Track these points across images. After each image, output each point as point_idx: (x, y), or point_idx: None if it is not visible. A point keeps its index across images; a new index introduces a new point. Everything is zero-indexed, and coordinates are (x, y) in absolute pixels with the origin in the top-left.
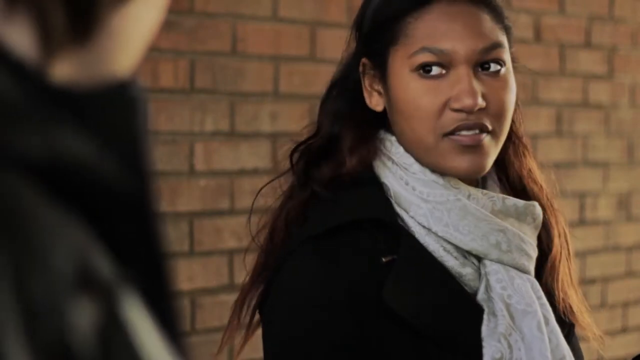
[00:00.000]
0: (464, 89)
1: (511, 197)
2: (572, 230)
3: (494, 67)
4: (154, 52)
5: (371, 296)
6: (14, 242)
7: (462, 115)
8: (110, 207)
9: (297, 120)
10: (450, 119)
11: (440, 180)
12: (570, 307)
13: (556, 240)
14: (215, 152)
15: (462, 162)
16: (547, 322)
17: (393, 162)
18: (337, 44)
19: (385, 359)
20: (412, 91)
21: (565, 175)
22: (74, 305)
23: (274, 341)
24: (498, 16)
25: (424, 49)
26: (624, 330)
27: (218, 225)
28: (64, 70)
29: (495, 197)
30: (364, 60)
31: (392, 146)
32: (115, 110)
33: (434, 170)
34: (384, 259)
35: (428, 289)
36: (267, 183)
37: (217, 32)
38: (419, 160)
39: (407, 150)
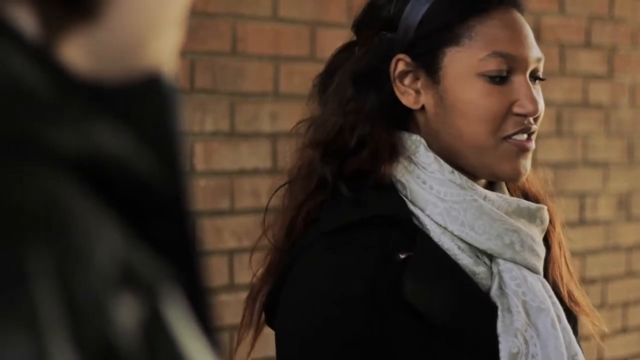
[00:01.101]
0: (528, 95)
1: (524, 200)
2: (572, 230)
3: (537, 76)
4: None
5: (385, 293)
6: (55, 240)
7: (523, 120)
8: (149, 204)
9: (297, 120)
10: (513, 122)
11: (457, 180)
12: (573, 294)
13: (554, 234)
14: (215, 152)
15: (516, 166)
16: (559, 320)
17: (411, 160)
18: (337, 44)
19: (397, 356)
20: (477, 93)
21: (565, 175)
22: (118, 303)
23: (287, 336)
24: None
25: (495, 54)
26: (624, 330)
27: (218, 225)
28: (75, 54)
29: (509, 199)
30: (401, 57)
31: (413, 145)
32: (147, 105)
33: (483, 172)
34: (401, 256)
35: (444, 286)
36: (285, 183)
37: (217, 32)
38: (462, 160)
39: (450, 150)
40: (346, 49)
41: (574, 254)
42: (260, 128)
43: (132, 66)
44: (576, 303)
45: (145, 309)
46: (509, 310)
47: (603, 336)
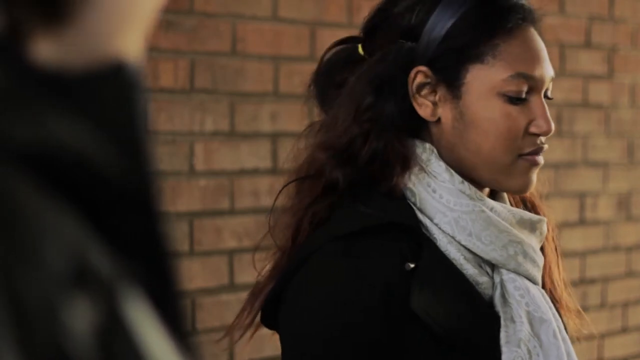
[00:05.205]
0: (543, 115)
1: (527, 212)
2: (572, 230)
3: (546, 95)
4: (154, 52)
5: (398, 300)
6: (1, 237)
7: (537, 139)
8: (109, 199)
9: (297, 120)
10: (530, 142)
11: (467, 190)
12: (562, 299)
13: (548, 239)
14: (215, 152)
15: (527, 181)
16: (559, 331)
17: (422, 169)
18: None
19: None
20: (498, 112)
21: (565, 175)
22: (70, 305)
23: (303, 341)
24: None
25: (518, 75)
26: (624, 330)
27: (218, 225)
28: (48, 50)
29: (514, 210)
30: (421, 69)
31: (424, 153)
32: (109, 95)
33: (492, 185)
34: (411, 265)
35: (450, 295)
36: (291, 181)
37: (217, 32)
38: (474, 172)
39: (463, 162)
40: (344, 47)
41: (574, 254)
42: (260, 128)
43: (95, 58)
44: (567, 309)
45: (102, 311)
46: (512, 320)
47: (603, 336)
